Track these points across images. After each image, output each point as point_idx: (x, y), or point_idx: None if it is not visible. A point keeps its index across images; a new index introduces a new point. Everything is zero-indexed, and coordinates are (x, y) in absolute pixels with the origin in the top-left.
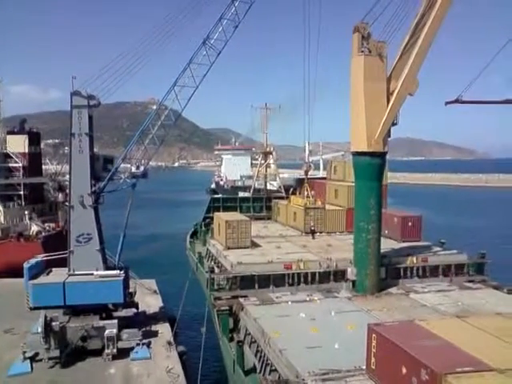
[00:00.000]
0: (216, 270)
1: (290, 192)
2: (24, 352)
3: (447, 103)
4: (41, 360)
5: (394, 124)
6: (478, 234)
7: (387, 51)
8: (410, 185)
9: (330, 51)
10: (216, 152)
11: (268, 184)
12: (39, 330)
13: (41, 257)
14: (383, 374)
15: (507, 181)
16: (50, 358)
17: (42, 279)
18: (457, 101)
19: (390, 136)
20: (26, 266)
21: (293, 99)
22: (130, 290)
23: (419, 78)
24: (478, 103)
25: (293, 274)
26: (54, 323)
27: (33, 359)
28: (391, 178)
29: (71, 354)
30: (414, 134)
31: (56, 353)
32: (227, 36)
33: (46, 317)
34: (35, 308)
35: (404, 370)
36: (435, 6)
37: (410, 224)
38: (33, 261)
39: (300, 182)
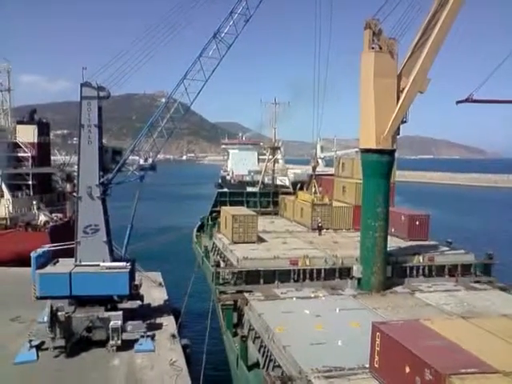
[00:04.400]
0: (222, 264)
1: (298, 188)
2: (30, 340)
3: (458, 102)
4: (46, 349)
5: (403, 122)
6: (486, 234)
7: (398, 48)
8: (418, 183)
9: (341, 47)
10: (223, 146)
11: (278, 180)
12: (45, 319)
13: (48, 247)
14: (386, 373)
15: None
16: (55, 347)
17: (49, 269)
18: (468, 100)
19: (399, 134)
20: (33, 255)
21: (303, 95)
22: (136, 283)
23: (430, 76)
24: (490, 102)
25: (298, 270)
26: (59, 313)
27: (39, 348)
28: (399, 176)
29: (76, 344)
30: (424, 132)
31: (61, 342)
32: (238, 30)
33: (51, 306)
34: (41, 297)
35: (408, 370)
36: (447, 5)
37: (417, 223)
38: (40, 250)
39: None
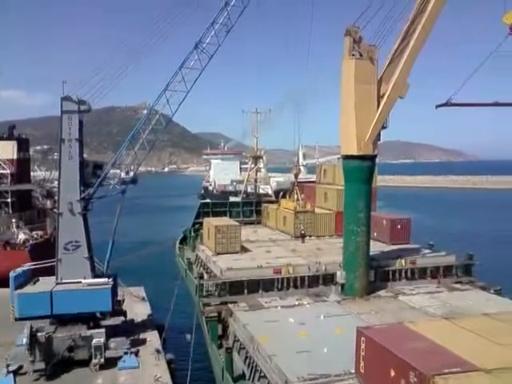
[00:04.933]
0: (205, 275)
1: (281, 196)
2: (8, 365)
3: (438, 106)
4: (25, 373)
5: (383, 127)
6: (466, 234)
7: (378, 55)
8: (399, 187)
9: (321, 54)
10: (204, 157)
11: (260, 188)
12: (24, 341)
13: (28, 265)
14: (372, 378)
15: (495, 183)
16: (34, 371)
17: (28, 288)
18: (447, 104)
19: (379, 139)
20: (11, 275)
21: (283, 103)
22: (119, 298)
23: (409, 81)
24: (468, 106)
25: (282, 278)
26: (39, 334)
27: (16, 372)
28: (380, 180)
29: (57, 365)
30: (403, 136)
31: (41, 365)
32: (219, 40)
33: (31, 327)
34: (21, 318)
35: (393, 373)
36: (426, 11)
37: (398, 227)
38: (19, 270)
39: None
